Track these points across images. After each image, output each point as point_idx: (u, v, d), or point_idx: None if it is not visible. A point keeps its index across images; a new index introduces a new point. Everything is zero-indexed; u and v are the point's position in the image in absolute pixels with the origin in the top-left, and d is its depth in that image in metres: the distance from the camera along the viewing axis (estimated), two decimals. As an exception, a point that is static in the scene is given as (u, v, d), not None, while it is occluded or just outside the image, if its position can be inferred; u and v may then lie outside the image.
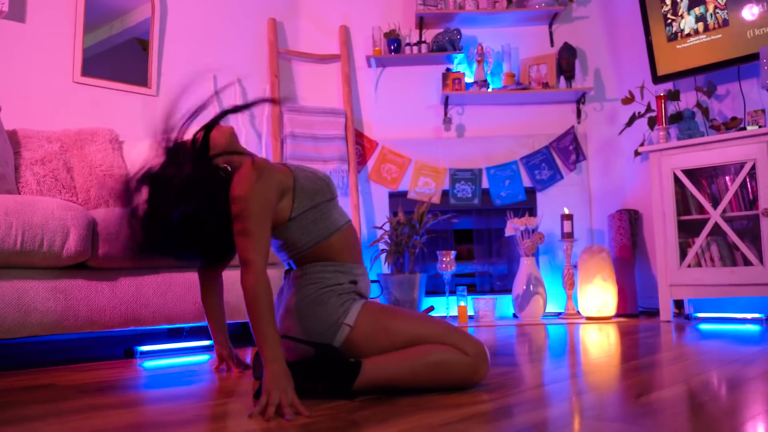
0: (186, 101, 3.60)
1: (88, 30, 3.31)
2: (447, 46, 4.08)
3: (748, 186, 3.19)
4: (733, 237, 3.19)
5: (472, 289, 4.18)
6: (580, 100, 4.16)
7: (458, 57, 4.15)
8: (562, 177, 4.14)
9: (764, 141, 3.10)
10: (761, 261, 3.07)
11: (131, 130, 3.26)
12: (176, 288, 2.47)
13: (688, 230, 3.39)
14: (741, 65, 3.51)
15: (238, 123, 3.86)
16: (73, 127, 2.97)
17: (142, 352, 2.47)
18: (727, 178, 3.28)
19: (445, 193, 4.13)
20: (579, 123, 4.19)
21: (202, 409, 1.43)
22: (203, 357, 2.40)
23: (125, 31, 3.54)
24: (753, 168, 3.13)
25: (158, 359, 2.36)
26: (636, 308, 3.77)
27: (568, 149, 4.13)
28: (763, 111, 3.31)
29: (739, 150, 3.18)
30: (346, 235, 1.64)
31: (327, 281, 1.56)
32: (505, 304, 3.94)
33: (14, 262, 2.10)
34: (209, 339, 2.73)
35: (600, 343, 2.55)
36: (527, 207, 4.12)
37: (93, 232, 2.27)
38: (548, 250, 4.08)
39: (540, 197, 4.15)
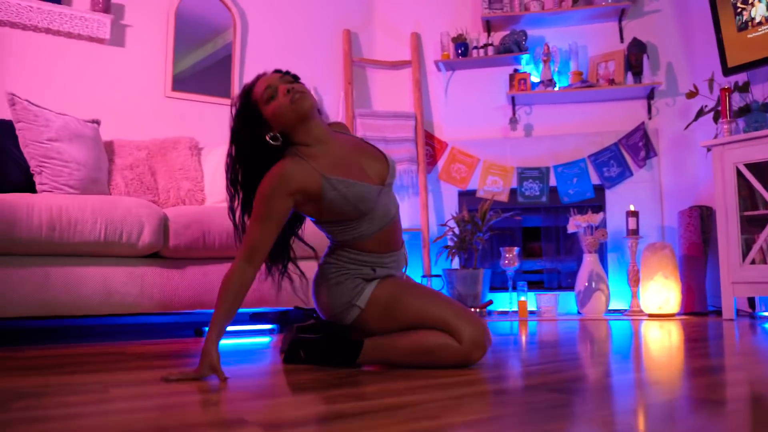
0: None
1: (177, 56, 3.75)
2: (513, 47, 4.18)
3: (816, 179, 3.06)
4: (798, 232, 3.07)
5: (541, 286, 4.25)
6: (650, 95, 4.11)
7: (525, 57, 4.23)
8: (631, 174, 4.11)
9: (830, 132, 2.97)
10: (827, 257, 2.95)
11: (214, 137, 3.66)
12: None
13: (753, 226, 3.29)
14: (817, 53, 3.36)
15: (313, 128, 4.18)
16: (162, 136, 3.40)
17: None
18: (795, 171, 3.16)
19: (513, 192, 4.23)
20: (650, 119, 4.13)
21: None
22: (264, 339, 2.69)
23: (216, 53, 3.96)
24: (819, 160, 3.01)
25: (225, 338, 2.68)
26: (705, 307, 3.68)
27: (637, 145, 4.09)
28: (838, 100, 3.16)
29: (805, 142, 3.06)
30: (377, 238, 1.73)
31: (347, 266, 1.73)
32: (570, 300, 3.98)
33: (99, 252, 2.50)
34: (270, 323, 3.06)
35: (649, 340, 2.59)
36: (596, 204, 4.12)
37: (165, 226, 2.64)
38: (617, 248, 4.06)
39: (609, 194, 4.14)
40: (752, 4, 3.55)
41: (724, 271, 3.31)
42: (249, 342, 2.55)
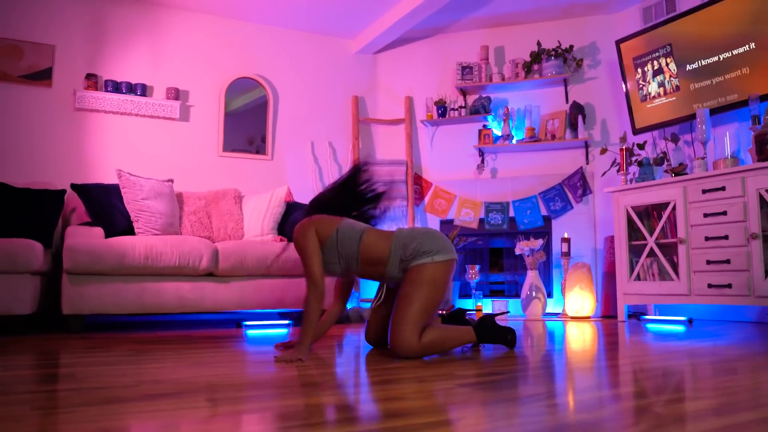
0: (291, 161, 5.35)
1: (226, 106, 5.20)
2: (480, 109, 5.44)
3: (674, 219, 4.21)
4: (662, 258, 4.23)
5: (502, 294, 5.49)
6: (587, 145, 5.30)
7: (490, 117, 5.48)
8: (572, 207, 5.30)
9: (681, 186, 4.12)
10: (677, 276, 4.11)
11: (254, 185, 5.07)
12: (265, 288, 4.18)
13: (637, 252, 4.46)
14: (692, 121, 4.50)
15: (329, 175, 5.55)
16: (216, 188, 4.84)
17: (246, 325, 4.21)
18: (663, 212, 4.31)
19: (481, 221, 5.48)
20: (587, 164, 5.32)
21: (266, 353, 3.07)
22: (283, 330, 4.06)
23: (250, 103, 5.37)
24: (674, 206, 4.16)
25: (256, 329, 4.07)
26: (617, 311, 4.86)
27: (577, 185, 5.28)
28: (701, 158, 4.29)
29: (667, 192, 4.22)
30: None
31: None
32: (519, 305, 5.20)
33: (174, 273, 3.93)
34: (287, 320, 4.43)
35: (557, 333, 3.83)
36: (545, 231, 5.34)
37: (216, 255, 4.04)
38: (558, 265, 5.27)
39: (554, 223, 5.35)
40: (648, 82, 4.71)
41: (619, 286, 4.49)
42: (273, 333, 3.93)
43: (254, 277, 4.17)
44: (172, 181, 4.57)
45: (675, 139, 4.63)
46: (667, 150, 4.69)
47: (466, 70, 5.52)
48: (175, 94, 4.95)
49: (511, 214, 5.44)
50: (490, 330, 2.72)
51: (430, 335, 2.49)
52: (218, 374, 2.03)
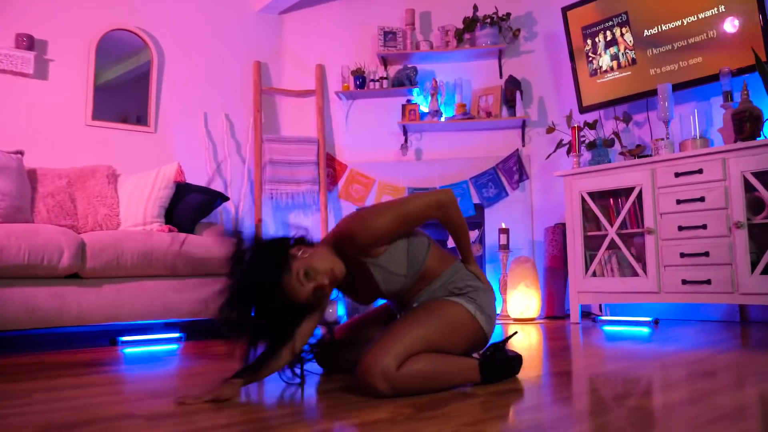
0: (180, 136, 4.36)
1: (99, 70, 4.10)
2: (405, 81, 4.71)
3: (639, 207, 3.71)
4: (625, 251, 3.72)
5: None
6: (524, 125, 4.73)
7: (415, 90, 4.77)
8: (507, 194, 4.71)
9: (649, 169, 3.62)
10: (645, 272, 3.60)
11: (133, 163, 4.03)
12: (148, 293, 3.20)
13: (595, 244, 3.93)
14: (649, 98, 4.02)
15: (225, 153, 4.60)
16: (85, 164, 3.75)
17: (122, 342, 3.22)
18: (623, 199, 3.80)
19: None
20: (523, 146, 4.75)
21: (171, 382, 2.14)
22: (172, 346, 3.11)
23: (129, 72, 4.31)
24: (641, 192, 3.65)
25: (135, 347, 3.10)
26: (564, 311, 4.32)
27: (512, 170, 4.70)
28: (662, 139, 3.82)
29: (631, 176, 3.70)
30: None
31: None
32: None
33: (23, 274, 2.86)
34: (177, 332, 3.47)
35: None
36: (476, 221, 4.71)
37: (82, 250, 3.02)
38: (494, 259, 4.66)
39: (488, 212, 4.74)
40: (600, 55, 4.20)
41: (571, 282, 3.93)
42: (159, 348, 2.98)
43: (134, 278, 3.19)
44: (21, 153, 3.45)
45: (627, 118, 4.15)
46: (618, 130, 4.19)
47: (389, 35, 4.77)
48: (29, 42, 3.80)
49: (440, 202, 4.75)
50: (499, 369, 1.93)
51: (416, 363, 1.70)
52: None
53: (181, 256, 3.25)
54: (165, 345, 3.17)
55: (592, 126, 4.20)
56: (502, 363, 1.90)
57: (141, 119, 4.29)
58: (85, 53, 4.07)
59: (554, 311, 4.28)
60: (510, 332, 2.15)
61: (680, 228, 3.46)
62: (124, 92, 4.30)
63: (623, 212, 3.75)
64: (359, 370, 1.66)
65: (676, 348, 2.57)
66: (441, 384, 1.76)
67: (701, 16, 3.74)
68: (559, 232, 4.41)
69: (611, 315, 4.11)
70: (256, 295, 1.69)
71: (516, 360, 1.96)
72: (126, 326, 3.91)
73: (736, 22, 3.60)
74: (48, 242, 2.89)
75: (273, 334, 1.76)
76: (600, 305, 4.18)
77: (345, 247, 1.80)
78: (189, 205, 3.60)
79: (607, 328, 3.55)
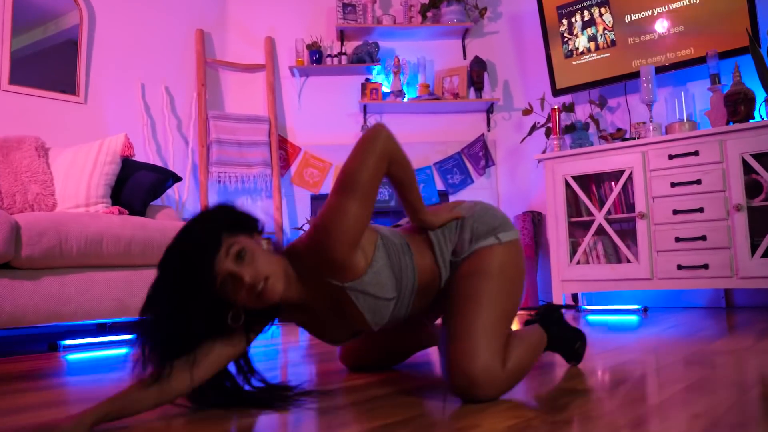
0: (113, 108, 3.79)
1: (15, 33, 3.44)
2: (365, 57, 4.36)
3: (629, 191, 3.57)
4: (615, 237, 3.56)
5: (391, 286, 4.47)
6: (490, 109, 4.50)
7: (376, 68, 4.42)
8: (472, 181, 4.47)
9: (639, 151, 3.48)
10: (637, 258, 3.45)
11: (59, 136, 3.42)
12: (97, 286, 2.66)
13: (578, 231, 3.75)
14: (627, 81, 3.90)
15: (165, 130, 4.04)
16: (1, 134, 3.11)
17: (65, 346, 2.65)
18: (612, 183, 3.65)
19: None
20: (489, 131, 4.52)
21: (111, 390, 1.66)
22: (122, 350, 2.59)
23: (53, 36, 3.67)
24: (631, 175, 3.51)
25: (81, 352, 2.55)
26: (537, 302, 4.12)
27: (478, 155, 4.46)
28: (644, 123, 3.70)
29: (620, 159, 3.55)
30: None
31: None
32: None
33: (-61, 264, 2.26)
34: (130, 333, 2.94)
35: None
36: (441, 209, 4.42)
37: (17, 235, 2.44)
38: (460, 249, 4.39)
39: (452, 199, 4.46)
40: (576, 36, 4.03)
41: (554, 270, 3.73)
42: (106, 354, 2.46)
43: (80, 268, 2.64)
44: (-77, 117, 2.80)
45: (603, 102, 4.01)
46: (592, 114, 4.05)
47: (348, 8, 4.39)
48: (-73, -16, 3.11)
49: (401, 189, 4.43)
50: (562, 331, 1.70)
51: (514, 354, 1.38)
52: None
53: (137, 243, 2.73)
54: (114, 349, 2.65)
55: (570, 108, 4.03)
56: (563, 326, 1.71)
57: (68, 88, 3.66)
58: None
59: (528, 302, 4.07)
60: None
61: (675, 212, 3.33)
62: (47, 58, 3.66)
63: (612, 196, 3.59)
64: (459, 380, 1.30)
65: (676, 336, 2.39)
66: (532, 365, 1.48)
67: (680, 5, 3.65)
68: (528, 219, 4.21)
69: (590, 304, 3.95)
70: (176, 264, 1.24)
71: (578, 333, 1.74)
72: (67, 327, 3.31)
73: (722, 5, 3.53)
74: (-28, 224, 2.30)
75: (173, 336, 1.24)
76: (575, 295, 4.01)
77: (316, 268, 1.35)
78: (140, 184, 3.07)
79: (593, 317, 3.37)
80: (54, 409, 1.41)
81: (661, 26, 3.74)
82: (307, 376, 1.79)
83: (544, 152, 4.13)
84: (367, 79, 4.42)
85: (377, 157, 1.34)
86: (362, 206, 1.32)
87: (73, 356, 2.46)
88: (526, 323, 1.68)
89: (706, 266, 3.22)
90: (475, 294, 1.40)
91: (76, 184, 2.93)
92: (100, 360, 2.32)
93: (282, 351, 2.45)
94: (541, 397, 1.39)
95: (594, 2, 3.94)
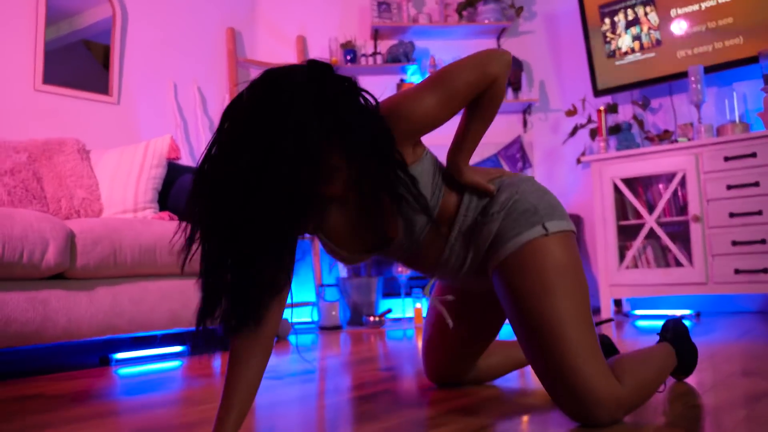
0: (146, 109, 3.68)
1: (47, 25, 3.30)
2: (401, 57, 4.25)
3: (679, 194, 3.49)
4: (666, 240, 3.48)
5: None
6: (527, 110, 4.41)
7: (412, 68, 4.32)
8: (509, 183, 4.37)
9: (692, 153, 3.40)
10: (691, 262, 3.38)
11: (93, 138, 3.29)
12: (151, 296, 2.55)
13: (626, 234, 3.67)
14: (672, 82, 3.82)
15: (198, 131, 3.92)
16: (37, 136, 2.99)
17: (117, 360, 2.54)
18: (661, 186, 3.57)
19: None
20: (525, 132, 4.43)
21: (176, 418, 1.55)
22: (175, 363, 2.49)
23: (79, 32, 3.53)
24: (683, 177, 3.43)
25: (132, 366, 2.44)
26: (579, 306, 4.03)
27: (515, 157, 4.37)
28: (692, 124, 3.62)
29: (671, 161, 3.47)
30: None
31: None
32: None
33: (-7, 275, 2.14)
34: (181, 345, 2.83)
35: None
36: (477, 212, 4.33)
37: (72, 243, 2.33)
38: (497, 253, 4.30)
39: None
40: (619, 35, 3.95)
41: (602, 275, 3.65)
42: (158, 368, 2.35)
43: (134, 278, 2.53)
44: (-37, 119, 2.68)
45: (646, 102, 3.93)
46: (636, 115, 3.97)
47: (383, 6, 4.29)
48: (-39, -20, 2.98)
49: (437, 191, 4.33)
50: (690, 348, 1.62)
51: (630, 375, 1.26)
52: None
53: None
54: (165, 362, 2.54)
55: (614, 109, 3.95)
56: (690, 343, 1.62)
57: (100, 87, 3.53)
58: (33, 1, 3.28)
59: (570, 308, 3.98)
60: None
61: (732, 215, 3.26)
62: (76, 53, 3.53)
63: (664, 199, 3.51)
64: (578, 410, 1.19)
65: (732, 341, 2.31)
66: (658, 385, 1.38)
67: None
68: (568, 223, 4.12)
69: (636, 309, 3.87)
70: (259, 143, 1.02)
71: (694, 348, 1.64)
72: (117, 339, 3.19)
73: (774, 2, 3.46)
74: (27, 232, 2.19)
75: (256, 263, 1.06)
76: (617, 300, 3.92)
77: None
78: (186, 189, 2.95)
79: (643, 323, 3.29)
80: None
81: (708, 24, 3.66)
82: (392, 396, 1.69)
83: (583, 154, 4.05)
84: (402, 80, 4.31)
85: (482, 74, 1.24)
86: (440, 106, 1.22)
87: (124, 370, 2.35)
88: (659, 341, 1.59)
89: (765, 270, 3.14)
90: (551, 318, 1.21)
91: (123, 189, 2.81)
92: (152, 373, 2.21)
93: (346, 364, 2.35)
94: (664, 414, 1.30)
95: (639, 1, 3.86)
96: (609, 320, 2.02)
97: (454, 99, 1.23)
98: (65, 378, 2.17)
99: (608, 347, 1.71)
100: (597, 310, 3.91)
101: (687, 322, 3.23)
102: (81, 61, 3.56)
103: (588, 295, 1.29)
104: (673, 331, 1.61)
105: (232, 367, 1.15)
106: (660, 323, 3.15)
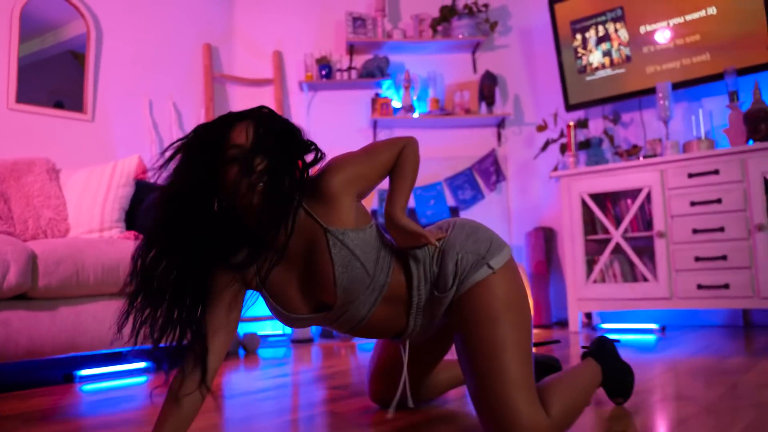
0: (121, 126, 3.72)
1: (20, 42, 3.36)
2: (375, 72, 4.30)
3: (646, 209, 3.53)
4: (632, 255, 3.52)
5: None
6: (501, 124, 4.46)
7: (386, 83, 4.37)
8: (483, 197, 4.42)
9: (658, 170, 3.45)
10: (656, 277, 3.42)
11: (68, 156, 3.34)
12: (115, 314, 2.58)
13: (594, 248, 3.71)
14: (642, 97, 3.87)
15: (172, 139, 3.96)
16: (11, 155, 3.04)
17: (81, 377, 2.58)
18: (628, 201, 3.62)
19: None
20: (499, 146, 4.48)
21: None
22: (140, 379, 2.53)
23: (52, 47, 3.58)
24: (649, 193, 3.47)
25: (97, 382, 2.48)
26: (550, 319, 4.08)
27: (489, 170, 4.42)
28: (660, 140, 3.67)
29: (637, 177, 3.52)
30: None
31: None
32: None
33: (-46, 296, 2.18)
34: (145, 361, 2.86)
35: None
36: (452, 225, 4.37)
37: (33, 264, 2.37)
38: (472, 266, 4.34)
39: (463, 215, 4.42)
40: (590, 51, 4.00)
41: (570, 289, 3.69)
42: (123, 383, 2.39)
43: (97, 297, 2.57)
44: (-68, 140, 2.72)
45: (617, 117, 3.98)
46: (606, 129, 4.01)
47: (358, 22, 4.34)
48: (-67, 2, 3.03)
49: (411, 204, 4.39)
50: (617, 365, 1.67)
51: (558, 399, 1.34)
52: None
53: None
54: (130, 378, 2.58)
55: (584, 124, 4.00)
56: (619, 362, 1.69)
57: (74, 105, 3.58)
58: (6, 19, 3.32)
59: (541, 319, 4.03)
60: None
61: (695, 231, 3.30)
62: (50, 70, 3.58)
63: (629, 215, 3.55)
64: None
65: (697, 355, 2.36)
66: (583, 407, 1.47)
67: (699, 14, 3.62)
68: (541, 236, 4.18)
69: (604, 323, 3.91)
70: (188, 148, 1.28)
71: (628, 369, 1.70)
72: (81, 356, 3.22)
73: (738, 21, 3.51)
74: (-12, 254, 2.23)
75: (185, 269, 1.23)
76: (588, 314, 3.97)
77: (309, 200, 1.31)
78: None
79: (610, 336, 3.32)
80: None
81: (678, 41, 3.71)
82: (333, 417, 1.73)
83: (556, 169, 4.09)
84: (377, 94, 4.36)
85: (398, 149, 1.40)
86: (370, 170, 1.37)
87: (88, 386, 2.39)
88: (582, 357, 1.64)
89: (726, 286, 3.19)
90: (493, 346, 1.31)
91: (90, 209, 2.86)
92: (116, 389, 2.25)
93: (297, 383, 2.39)
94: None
95: (609, 18, 3.91)
96: (556, 341, 2.08)
97: (380, 167, 1.39)
98: (28, 396, 2.21)
99: (552, 368, 1.78)
100: (565, 322, 3.96)
101: (651, 336, 3.27)
102: (54, 76, 3.60)
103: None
104: (598, 346, 1.67)
105: (165, 418, 1.27)
106: (626, 336, 3.20)
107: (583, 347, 1.71)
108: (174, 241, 1.22)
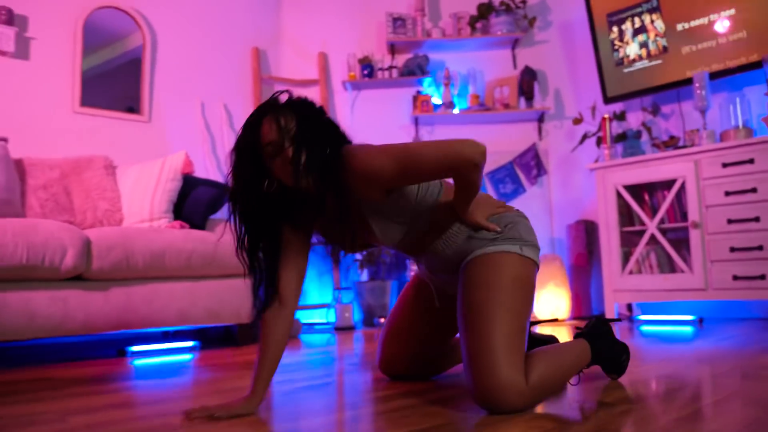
0: (175, 126, 4.00)
1: (84, 55, 3.67)
2: (416, 70, 4.44)
3: (682, 200, 3.52)
4: (667, 247, 3.52)
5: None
6: (541, 118, 4.50)
7: (427, 80, 4.50)
8: (524, 190, 4.48)
9: (692, 160, 3.43)
10: (690, 268, 3.41)
11: (125, 155, 3.63)
12: (161, 296, 2.83)
13: (630, 240, 3.72)
14: (680, 88, 3.85)
15: (224, 146, 4.23)
16: (73, 154, 3.34)
17: (132, 352, 2.83)
18: (664, 192, 3.61)
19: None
20: (540, 140, 4.53)
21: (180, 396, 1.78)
22: (187, 356, 2.75)
23: (119, 57, 3.90)
24: (683, 184, 3.46)
25: (147, 358, 2.72)
26: (590, 311, 4.10)
27: (530, 164, 4.47)
28: (697, 131, 3.65)
29: (671, 167, 3.51)
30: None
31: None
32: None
33: (20, 276, 2.46)
34: (191, 340, 3.10)
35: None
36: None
37: (88, 249, 2.63)
38: (511, 258, 4.41)
39: (504, 209, 4.48)
40: (627, 43, 4.01)
41: (606, 280, 3.71)
42: (173, 359, 2.61)
43: (145, 280, 2.81)
44: (5, 140, 3.04)
45: (656, 109, 3.96)
46: (645, 121, 4.00)
47: (398, 22, 4.49)
48: (8, 16, 3.37)
49: (453, 199, 4.48)
50: (609, 344, 1.74)
51: (538, 368, 1.44)
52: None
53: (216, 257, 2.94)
54: (178, 355, 2.81)
55: (621, 117, 4.01)
56: (611, 339, 1.75)
57: (133, 107, 3.88)
58: (71, 31, 3.65)
59: (581, 311, 4.06)
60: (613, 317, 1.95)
61: (729, 221, 3.28)
62: (113, 77, 3.89)
63: (664, 206, 3.55)
64: (482, 394, 1.37)
65: (731, 348, 2.36)
66: (564, 380, 1.57)
67: (736, 1, 3.58)
68: (582, 228, 4.20)
69: (645, 314, 3.90)
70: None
71: (623, 348, 1.77)
72: (133, 334, 3.51)
73: (778, 7, 3.45)
74: (49, 240, 2.50)
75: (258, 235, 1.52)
76: (629, 305, 3.97)
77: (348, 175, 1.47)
78: (199, 200, 3.24)
79: (647, 328, 3.34)
80: (124, 409, 1.54)
81: (717, 28, 3.67)
82: (349, 385, 1.88)
83: (596, 161, 4.11)
84: (418, 92, 4.49)
85: (447, 164, 1.47)
86: (395, 171, 1.45)
87: (140, 361, 2.62)
88: (575, 336, 1.72)
89: (762, 277, 3.15)
90: (491, 307, 1.45)
91: (141, 201, 3.12)
92: (165, 365, 2.47)
93: (338, 359, 2.55)
94: (570, 408, 1.44)
95: (645, 8, 3.91)
96: (617, 320, 2.17)
97: (409, 168, 1.46)
98: (83, 366, 2.46)
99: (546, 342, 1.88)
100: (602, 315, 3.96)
101: (688, 328, 3.27)
102: (120, 83, 3.91)
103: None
104: (592, 327, 1.74)
105: (264, 334, 1.52)
106: (664, 328, 3.21)
107: (577, 329, 1.78)
108: (248, 218, 1.50)
